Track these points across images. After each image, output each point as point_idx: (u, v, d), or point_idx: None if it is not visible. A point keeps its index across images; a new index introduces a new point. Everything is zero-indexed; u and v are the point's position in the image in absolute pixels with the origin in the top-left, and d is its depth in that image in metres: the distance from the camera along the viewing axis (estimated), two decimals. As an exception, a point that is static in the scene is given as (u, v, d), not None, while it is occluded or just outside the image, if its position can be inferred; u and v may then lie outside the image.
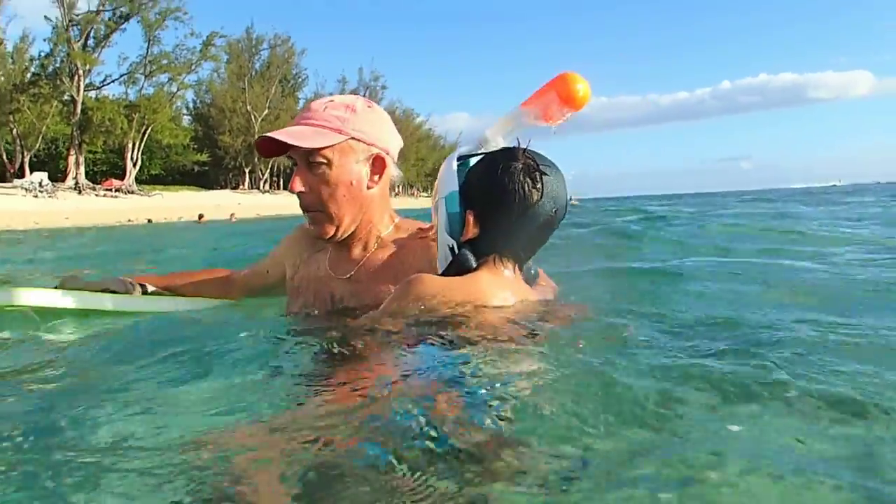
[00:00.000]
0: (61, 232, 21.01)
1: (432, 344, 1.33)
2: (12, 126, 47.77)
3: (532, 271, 1.76)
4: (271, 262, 2.30)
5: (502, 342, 1.35)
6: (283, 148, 1.85)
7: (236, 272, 2.42)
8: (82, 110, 49.72)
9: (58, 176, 47.95)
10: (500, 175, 1.51)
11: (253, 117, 66.78)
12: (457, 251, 1.57)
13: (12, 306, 2.13)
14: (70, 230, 22.26)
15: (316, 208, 1.88)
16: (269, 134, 1.82)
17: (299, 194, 1.87)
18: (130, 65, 53.86)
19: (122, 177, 52.80)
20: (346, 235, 1.93)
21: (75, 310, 2.17)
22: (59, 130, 51.98)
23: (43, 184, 42.09)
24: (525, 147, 1.57)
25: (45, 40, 51.66)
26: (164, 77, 55.04)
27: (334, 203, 1.86)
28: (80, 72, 49.46)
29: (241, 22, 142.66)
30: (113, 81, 54.20)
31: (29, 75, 50.55)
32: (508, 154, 1.56)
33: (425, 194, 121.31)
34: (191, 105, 72.88)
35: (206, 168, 67.61)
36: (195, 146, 63.47)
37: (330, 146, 1.83)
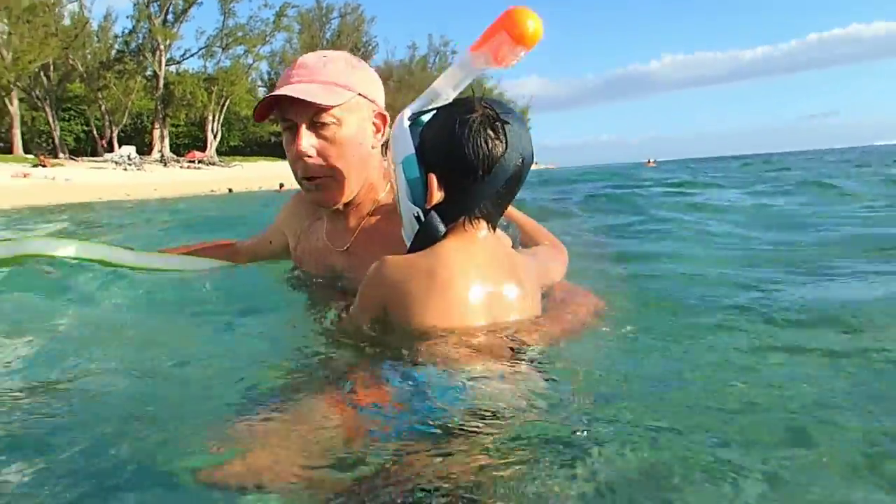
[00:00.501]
0: (150, 203, 21.95)
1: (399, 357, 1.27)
2: (101, 102, 49.85)
3: (509, 230, 1.66)
4: (273, 231, 2.25)
5: (470, 340, 1.29)
6: (270, 109, 1.76)
7: (241, 242, 2.40)
8: (164, 84, 51.51)
9: (144, 149, 49.87)
10: (459, 130, 1.34)
11: (325, 86, 67.26)
12: (422, 218, 1.42)
13: (27, 256, 2.19)
14: (159, 201, 23.24)
15: (323, 173, 1.75)
16: (282, 92, 1.68)
17: (305, 159, 1.73)
18: (208, 38, 55.42)
19: (203, 149, 54.52)
20: (348, 201, 1.81)
21: (93, 262, 2.24)
22: (144, 105, 54.00)
23: (131, 157, 43.92)
24: (481, 96, 1.43)
25: (127, 17, 53.28)
26: (239, 49, 56.47)
27: (344, 165, 1.74)
28: (161, 47, 51.17)
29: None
30: (192, 55, 55.94)
31: (114, 52, 52.55)
32: (464, 106, 1.39)
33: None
34: (265, 76, 74.20)
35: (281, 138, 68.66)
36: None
37: (341, 104, 1.71)
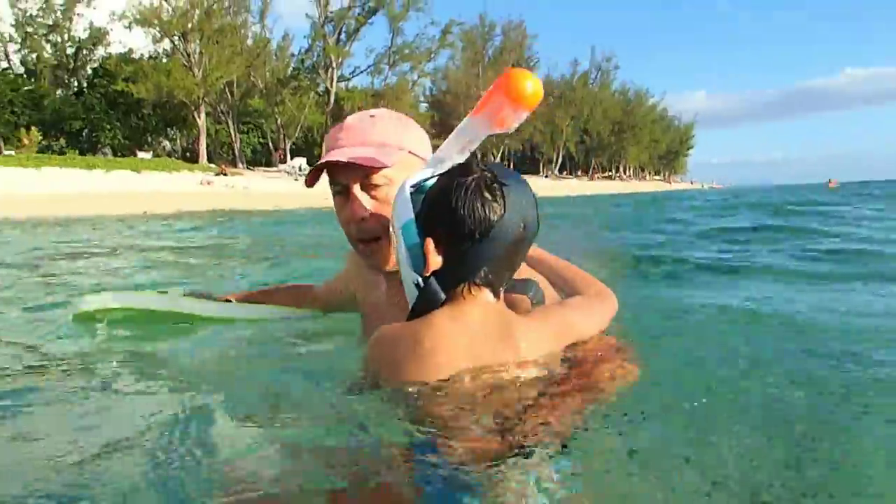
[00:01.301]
0: (321, 211, 22.86)
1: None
2: (277, 117, 53.35)
3: (530, 293, 1.52)
4: (343, 281, 2.21)
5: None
6: (319, 173, 1.73)
7: (317, 287, 2.38)
8: (335, 100, 54.28)
9: (312, 161, 52.50)
10: (455, 193, 1.30)
11: (486, 102, 68.52)
12: (422, 285, 1.37)
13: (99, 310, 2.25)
14: (327, 209, 24.13)
15: (378, 234, 1.69)
16: (335, 158, 1.64)
17: (359, 222, 1.68)
18: (376, 56, 58.17)
19: (367, 162, 56.79)
20: None
21: (163, 315, 2.28)
22: (314, 119, 57.16)
23: (302, 168, 46.39)
24: (479, 159, 1.39)
25: (304, 37, 56.78)
26: (405, 66, 58.56)
27: None
28: (334, 65, 54.16)
29: (474, 9, 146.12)
30: (361, 72, 58.77)
31: (289, 70, 56.12)
32: (462, 170, 1.36)
33: (658, 177, 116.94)
34: (427, 93, 76.35)
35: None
36: (432, 131, 66.42)
37: (392, 164, 1.67)
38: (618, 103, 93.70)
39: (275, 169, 47.61)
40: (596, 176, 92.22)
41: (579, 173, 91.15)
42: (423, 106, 74.50)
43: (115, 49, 54.76)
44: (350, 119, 1.77)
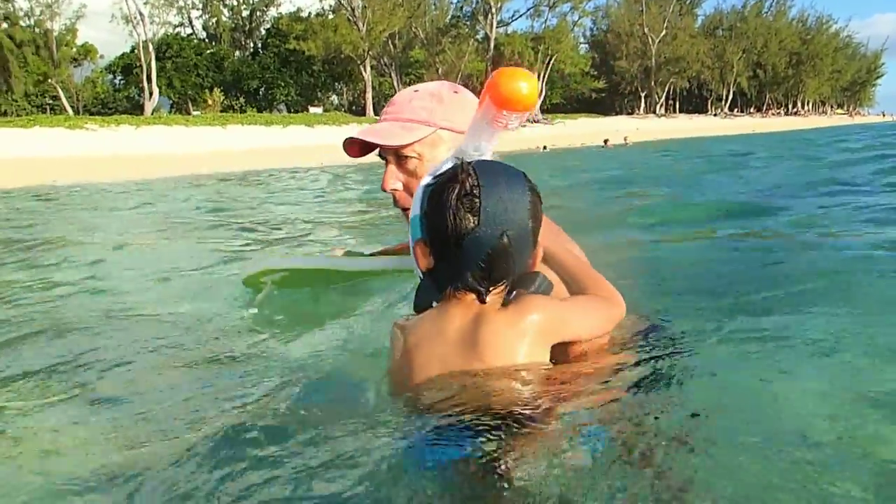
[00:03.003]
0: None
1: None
2: (437, 66, 53.77)
3: (532, 286, 1.38)
4: None
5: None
6: (369, 148, 1.81)
7: None
8: (494, 46, 53.82)
9: (473, 109, 52.85)
10: (435, 199, 1.32)
11: (650, 39, 65.40)
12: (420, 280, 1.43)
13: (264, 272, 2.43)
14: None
15: (406, 206, 1.77)
16: (355, 135, 1.79)
17: (393, 192, 1.80)
18: (536, -2, 56.47)
19: (528, 106, 56.26)
20: None
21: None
22: (474, 67, 57.07)
23: (464, 117, 46.74)
24: (469, 163, 1.33)
25: (463, -18, 56.38)
26: (566, 7, 56.87)
27: None
28: (493, 10, 53.53)
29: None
30: (520, 16, 58.21)
31: (448, 18, 56.17)
32: (450, 175, 1.33)
33: (840, 111, 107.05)
34: (587, 33, 73.89)
35: (603, 95, 68.38)
36: (593, 73, 64.49)
37: (419, 140, 1.75)
38: (795, 33, 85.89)
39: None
40: (770, 112, 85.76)
41: (751, 110, 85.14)
42: (584, 47, 72.33)
43: (286, 9, 57.43)
44: (398, 94, 1.88)
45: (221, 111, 45.70)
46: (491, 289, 1.34)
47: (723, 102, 78.42)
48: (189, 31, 57.96)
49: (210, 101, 48.54)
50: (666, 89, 68.61)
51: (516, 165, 1.32)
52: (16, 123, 31.53)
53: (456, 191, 1.30)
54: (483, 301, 1.35)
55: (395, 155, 1.79)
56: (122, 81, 58.09)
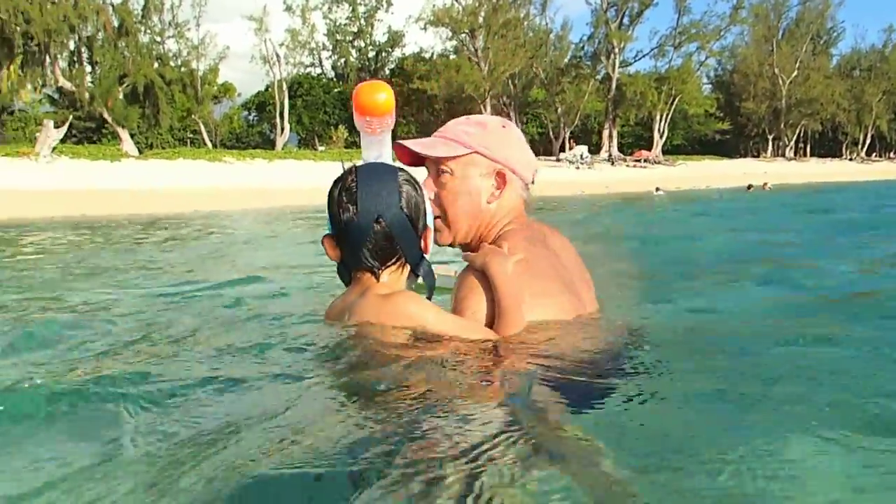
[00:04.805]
0: (600, 198, 22.67)
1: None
2: (557, 106, 53.81)
3: (420, 272, 1.74)
4: None
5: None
6: (417, 159, 1.99)
7: None
8: (616, 86, 53.35)
9: (591, 149, 52.38)
10: (329, 197, 1.65)
11: (780, 80, 62.87)
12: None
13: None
14: (605, 196, 23.82)
15: (438, 214, 1.94)
16: (402, 142, 1.95)
17: (429, 199, 1.90)
18: (660, 38, 56.09)
19: (648, 148, 55.21)
20: (458, 244, 2.01)
21: None
22: (593, 107, 56.78)
23: (583, 156, 46.42)
24: (354, 165, 1.70)
25: (586, 24, 56.59)
26: (692, 46, 55.61)
27: (453, 212, 1.95)
28: (616, 50, 53.17)
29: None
30: (644, 56, 57.09)
31: (567, 58, 56.25)
32: (339, 176, 1.68)
33: None
34: (712, 73, 71.98)
35: (727, 136, 66.19)
36: (718, 114, 62.63)
37: (454, 157, 1.92)
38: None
39: (554, 158, 48.14)
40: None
41: (891, 154, 79.83)
42: (707, 87, 70.46)
43: (410, 49, 59.31)
44: (452, 120, 2.06)
45: (345, 147, 47.46)
46: (381, 267, 1.66)
47: (859, 146, 74.03)
48: (319, 70, 60.90)
49: (335, 138, 50.63)
50: (796, 132, 65.62)
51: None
52: (162, 155, 33.97)
53: (339, 186, 1.64)
54: (377, 278, 1.67)
55: (434, 167, 1.97)
56: (255, 118, 61.69)
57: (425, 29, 52.21)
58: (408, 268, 1.71)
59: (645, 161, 50.44)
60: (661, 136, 55.35)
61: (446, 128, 2.00)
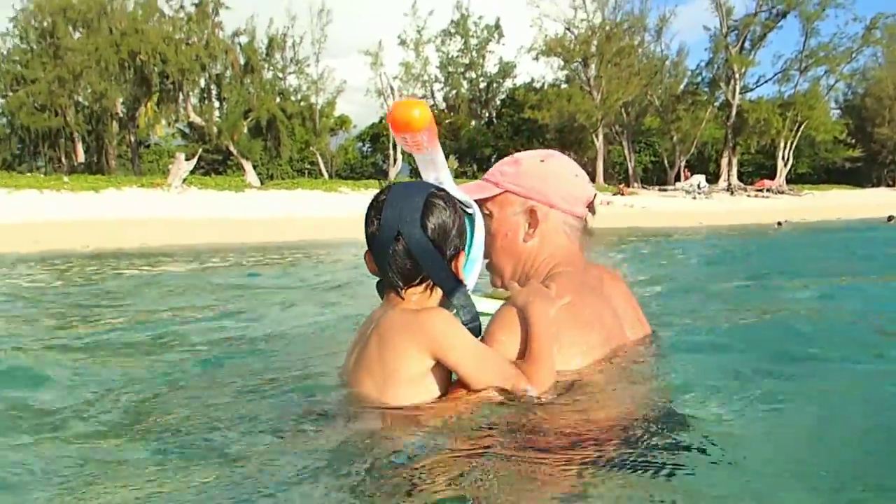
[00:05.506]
0: (721, 229, 21.60)
1: None
2: (672, 134, 52.30)
3: (456, 300, 1.65)
4: None
5: None
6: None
7: None
8: (737, 113, 51.31)
9: (708, 178, 50.47)
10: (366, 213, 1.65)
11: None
12: None
13: None
14: (718, 228, 22.66)
15: (486, 256, 1.90)
16: (444, 187, 1.86)
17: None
18: (785, 62, 53.65)
19: (770, 176, 52.61)
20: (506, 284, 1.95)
21: None
22: (710, 134, 54.82)
23: (701, 186, 44.78)
24: (392, 183, 1.70)
25: (704, 49, 55.05)
26: (820, 70, 52.78)
27: (494, 253, 1.93)
28: (736, 75, 51.23)
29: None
30: (767, 81, 54.68)
31: (683, 85, 54.69)
32: (375, 195, 1.67)
33: None
34: (840, 98, 68.05)
35: (858, 164, 62.17)
36: (847, 141, 58.98)
37: (490, 198, 1.92)
38: None
39: (671, 187, 46.67)
40: None
41: None
42: (835, 113, 66.62)
43: (521, 80, 59.38)
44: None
45: (455, 177, 47.80)
46: (404, 287, 1.60)
47: None
48: (431, 102, 61.95)
49: (445, 168, 51.17)
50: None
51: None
52: (282, 185, 35.48)
53: (370, 203, 1.63)
54: (401, 297, 1.61)
55: (481, 210, 1.89)
56: (370, 149, 63.44)
57: (537, 59, 52.25)
58: (438, 292, 1.64)
59: (767, 190, 48.04)
60: (785, 165, 52.66)
61: (491, 170, 2.02)
